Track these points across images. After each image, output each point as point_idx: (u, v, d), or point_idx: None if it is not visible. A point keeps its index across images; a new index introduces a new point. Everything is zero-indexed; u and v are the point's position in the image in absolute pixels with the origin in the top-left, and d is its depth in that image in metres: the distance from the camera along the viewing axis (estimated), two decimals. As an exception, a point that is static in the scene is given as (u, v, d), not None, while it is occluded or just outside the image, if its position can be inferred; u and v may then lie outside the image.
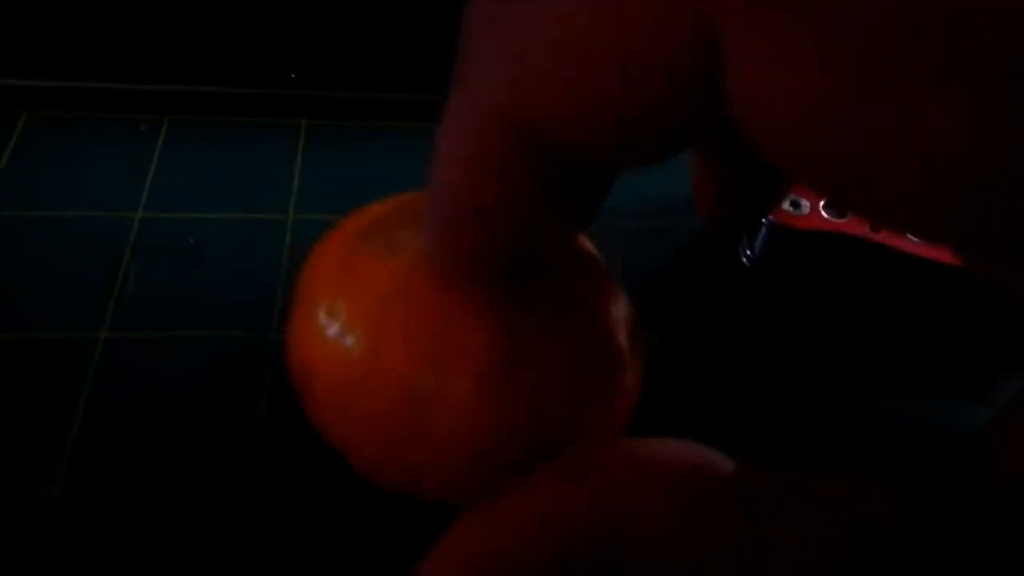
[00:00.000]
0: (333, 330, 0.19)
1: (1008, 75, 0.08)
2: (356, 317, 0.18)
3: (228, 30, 0.40)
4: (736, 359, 0.33)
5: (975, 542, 0.10)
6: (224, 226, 0.35)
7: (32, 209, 0.35)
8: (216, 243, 0.35)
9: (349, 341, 0.18)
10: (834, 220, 0.32)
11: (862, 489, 0.11)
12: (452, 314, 0.17)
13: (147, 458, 0.28)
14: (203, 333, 0.32)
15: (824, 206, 0.32)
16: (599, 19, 0.10)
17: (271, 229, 0.35)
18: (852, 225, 0.31)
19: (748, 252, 0.34)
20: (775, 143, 0.09)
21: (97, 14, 0.39)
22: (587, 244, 0.21)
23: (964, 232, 0.09)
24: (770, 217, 0.32)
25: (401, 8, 0.41)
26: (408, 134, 0.40)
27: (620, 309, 0.19)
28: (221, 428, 0.29)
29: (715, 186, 0.16)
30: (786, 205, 0.32)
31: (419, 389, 0.17)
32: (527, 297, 0.18)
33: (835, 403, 0.31)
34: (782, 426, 0.30)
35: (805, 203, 0.32)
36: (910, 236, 0.31)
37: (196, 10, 0.40)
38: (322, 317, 0.19)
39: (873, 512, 0.11)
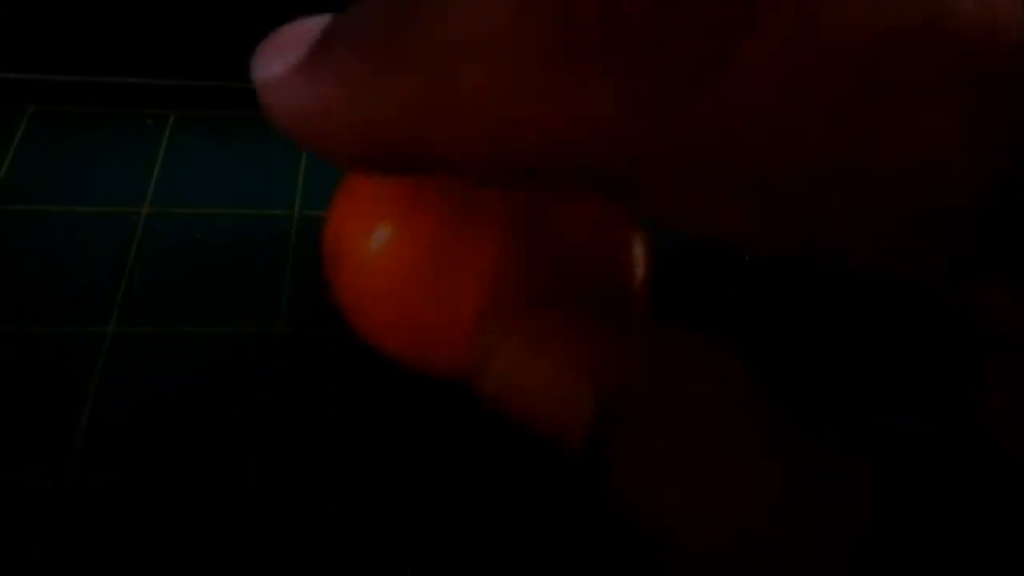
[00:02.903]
0: (362, 226, 0.19)
1: None
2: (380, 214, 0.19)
3: (233, 25, 0.40)
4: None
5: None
6: (230, 222, 0.36)
7: (39, 204, 0.35)
8: (222, 239, 0.35)
9: (376, 237, 0.19)
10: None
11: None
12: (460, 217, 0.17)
13: (155, 452, 0.28)
14: (209, 329, 0.32)
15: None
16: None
17: (277, 225, 0.35)
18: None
19: (749, 252, 0.34)
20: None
21: (103, 8, 0.40)
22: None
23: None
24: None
25: None
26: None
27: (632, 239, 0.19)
28: (226, 424, 0.29)
29: None
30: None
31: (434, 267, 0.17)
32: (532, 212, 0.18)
33: (831, 397, 0.32)
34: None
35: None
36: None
37: (202, 4, 0.40)
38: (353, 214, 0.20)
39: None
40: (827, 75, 0.08)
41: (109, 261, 0.34)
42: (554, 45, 0.09)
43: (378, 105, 0.10)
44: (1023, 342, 0.10)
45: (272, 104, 0.10)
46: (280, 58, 0.10)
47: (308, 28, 0.11)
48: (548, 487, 0.28)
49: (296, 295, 0.33)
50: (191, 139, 0.38)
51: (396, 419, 0.29)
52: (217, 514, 0.27)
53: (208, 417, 0.29)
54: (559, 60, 0.09)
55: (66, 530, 0.27)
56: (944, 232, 0.09)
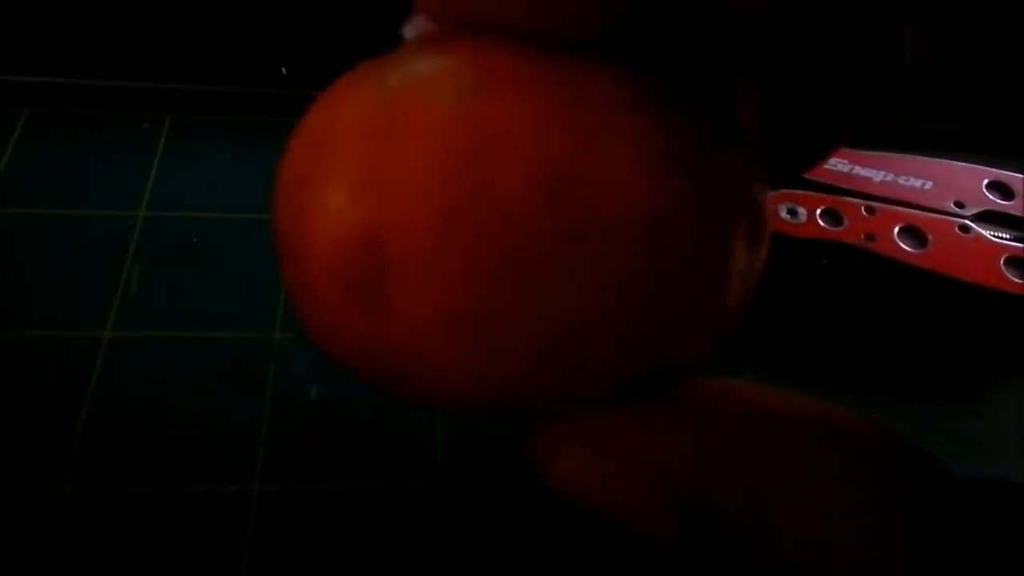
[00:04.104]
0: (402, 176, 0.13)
1: None
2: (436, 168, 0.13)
3: (230, 28, 0.40)
4: (731, 364, 0.33)
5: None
6: (227, 226, 0.36)
7: (34, 207, 0.35)
8: (219, 243, 0.35)
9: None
10: (829, 228, 0.32)
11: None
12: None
13: (154, 454, 0.28)
14: (206, 334, 0.32)
15: (820, 215, 0.32)
16: None
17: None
18: (847, 234, 0.32)
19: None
20: None
21: (100, 10, 0.40)
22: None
23: None
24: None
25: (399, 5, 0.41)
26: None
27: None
28: (224, 427, 0.29)
29: None
30: (783, 213, 0.32)
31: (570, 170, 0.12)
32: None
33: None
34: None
35: (802, 211, 0.33)
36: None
37: (200, 7, 0.40)
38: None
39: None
40: None
41: (105, 265, 0.34)
42: None
43: None
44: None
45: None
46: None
47: None
48: (548, 487, 0.28)
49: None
50: (188, 143, 0.39)
51: (396, 420, 0.30)
52: (216, 515, 0.27)
53: (206, 420, 0.29)
54: None
55: (66, 530, 0.26)
56: None
